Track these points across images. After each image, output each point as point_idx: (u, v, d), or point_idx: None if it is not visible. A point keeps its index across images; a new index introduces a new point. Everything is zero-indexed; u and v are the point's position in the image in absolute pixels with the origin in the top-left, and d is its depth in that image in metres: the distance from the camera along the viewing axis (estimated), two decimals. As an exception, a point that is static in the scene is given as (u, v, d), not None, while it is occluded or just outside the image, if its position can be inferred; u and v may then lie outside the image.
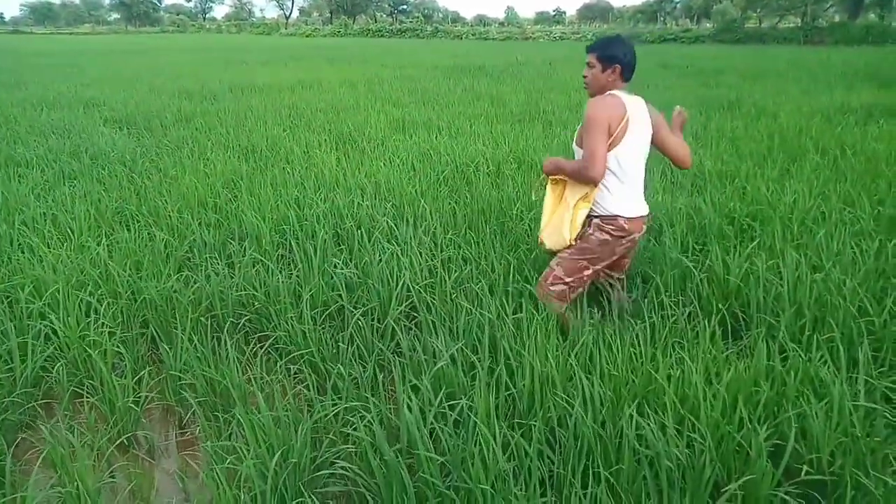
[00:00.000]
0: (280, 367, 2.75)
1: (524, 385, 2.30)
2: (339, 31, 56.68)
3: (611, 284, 2.99)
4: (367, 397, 2.33)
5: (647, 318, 2.70)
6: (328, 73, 15.87)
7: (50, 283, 3.22)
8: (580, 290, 2.83)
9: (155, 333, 3.00)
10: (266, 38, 55.54)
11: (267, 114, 9.02)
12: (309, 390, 2.57)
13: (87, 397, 2.62)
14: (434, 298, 3.03)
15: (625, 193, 2.73)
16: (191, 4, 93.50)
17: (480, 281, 3.22)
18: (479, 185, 5.08)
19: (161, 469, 2.38)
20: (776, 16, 48.33)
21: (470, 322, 2.75)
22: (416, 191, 4.80)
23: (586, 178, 2.62)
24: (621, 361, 2.38)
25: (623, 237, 2.74)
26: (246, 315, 3.11)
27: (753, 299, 2.97)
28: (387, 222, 4.08)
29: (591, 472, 1.95)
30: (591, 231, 2.74)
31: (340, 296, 3.18)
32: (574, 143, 2.82)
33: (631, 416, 2.03)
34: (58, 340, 2.86)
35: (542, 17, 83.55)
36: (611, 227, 2.71)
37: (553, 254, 2.88)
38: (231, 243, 3.93)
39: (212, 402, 2.55)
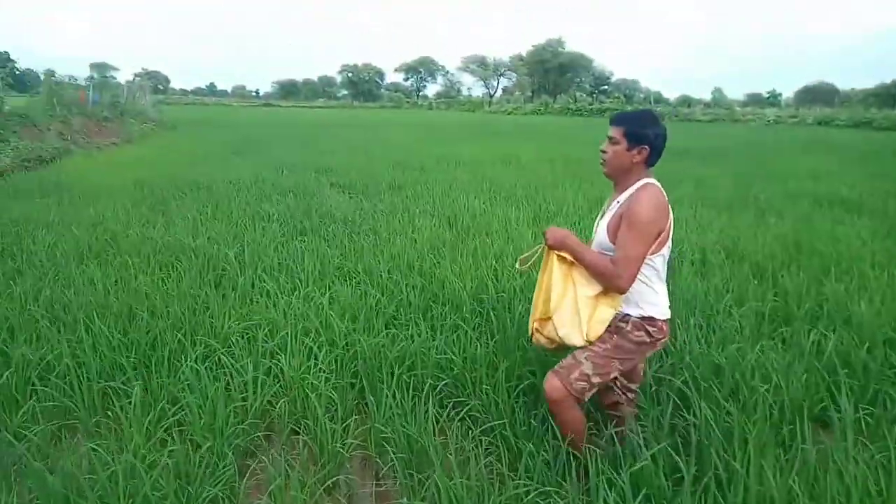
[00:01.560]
0: (473, 435, 2.80)
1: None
2: (539, 110, 58.80)
3: (625, 394, 2.66)
4: (559, 482, 2.28)
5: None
6: (527, 150, 16.44)
7: (281, 326, 3.66)
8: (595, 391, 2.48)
9: (363, 385, 3.23)
10: (471, 114, 59.39)
11: (470, 186, 9.55)
12: (500, 462, 2.58)
13: (302, 435, 2.89)
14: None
15: (664, 295, 2.45)
16: (408, 83, 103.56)
17: (684, 374, 3.04)
18: (683, 273, 4.85)
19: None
20: None
21: (675, 421, 2.59)
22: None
23: (612, 285, 2.30)
24: (856, 491, 2.08)
25: (658, 341, 2.44)
26: (444, 379, 3.24)
27: None
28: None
29: None
30: (629, 328, 2.39)
31: (534, 372, 3.19)
32: (603, 229, 2.39)
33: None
34: (282, 380, 3.21)
35: (753, 99, 79.24)
36: (653, 328, 2.40)
37: (562, 348, 2.47)
38: (433, 306, 4.16)
39: (407, 459, 2.66)
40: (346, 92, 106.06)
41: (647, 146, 2.30)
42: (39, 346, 3.36)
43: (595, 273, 2.32)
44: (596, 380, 2.39)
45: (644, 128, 2.31)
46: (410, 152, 15.18)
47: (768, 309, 4.10)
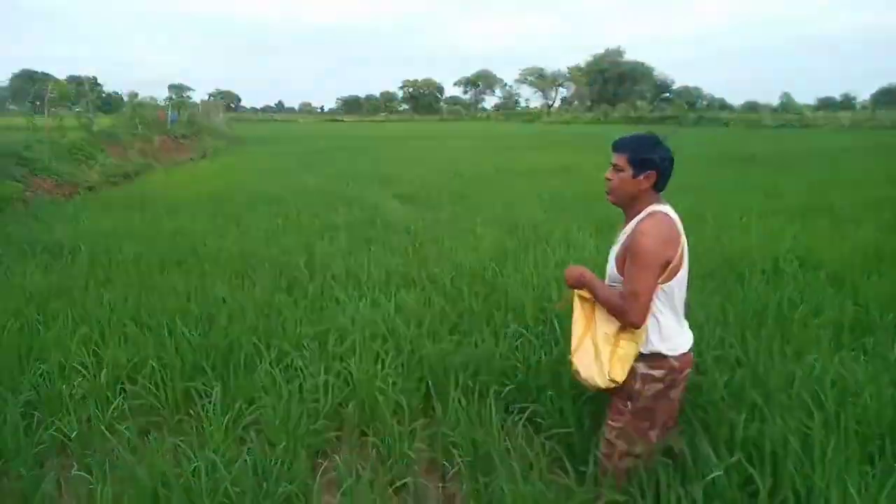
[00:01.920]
0: (538, 441, 2.81)
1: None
2: (598, 119, 57.97)
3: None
4: (628, 490, 2.27)
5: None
6: (587, 159, 16.26)
7: (349, 331, 3.77)
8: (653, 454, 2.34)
9: (429, 389, 3.29)
10: (529, 125, 59.23)
11: (529, 195, 9.54)
12: (565, 471, 2.58)
13: (371, 436, 2.97)
14: (703, 398, 2.85)
15: (673, 327, 2.25)
16: (467, 96, 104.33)
17: (756, 386, 2.96)
18: (752, 283, 4.70)
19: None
20: None
21: (748, 433, 2.53)
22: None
23: (624, 321, 2.18)
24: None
25: (676, 378, 2.26)
26: (508, 385, 3.26)
27: None
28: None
29: None
30: (637, 385, 2.23)
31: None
32: (613, 263, 2.30)
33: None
34: (352, 383, 3.31)
35: (825, 103, 75.38)
36: (659, 371, 2.22)
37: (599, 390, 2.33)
38: (496, 314, 4.19)
39: (472, 463, 2.70)
40: (406, 106, 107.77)
41: (653, 171, 2.19)
42: (128, 349, 3.59)
43: (606, 307, 2.23)
44: (638, 449, 2.27)
45: (649, 152, 2.20)
46: (470, 163, 15.31)
47: (849, 319, 3.93)
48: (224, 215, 8.02)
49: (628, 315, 2.11)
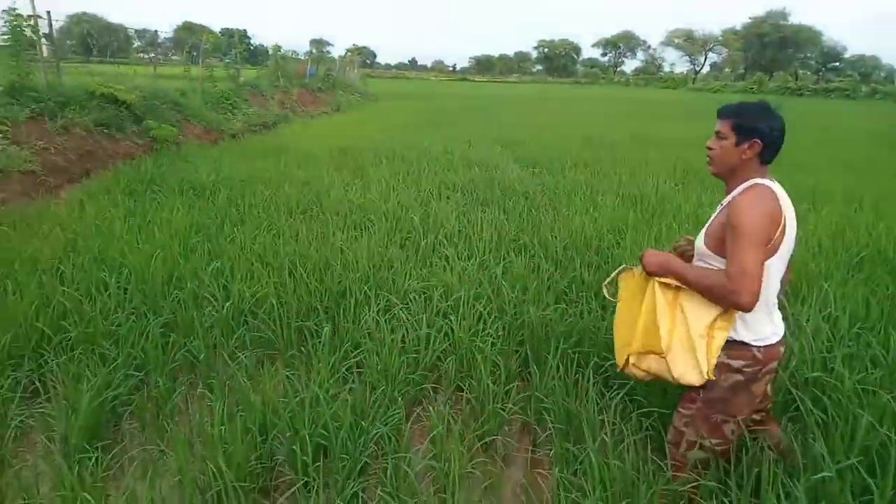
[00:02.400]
0: (632, 417, 2.73)
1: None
2: (751, 88, 53.32)
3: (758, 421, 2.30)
4: (724, 480, 2.15)
5: None
6: (731, 131, 15.09)
7: (455, 289, 3.83)
8: (731, 446, 2.14)
9: (528, 354, 3.29)
10: (671, 91, 55.88)
11: (661, 166, 9.06)
12: (660, 451, 2.49)
13: (466, 392, 3.03)
14: (826, 396, 2.62)
15: (760, 315, 2.04)
16: (605, 59, 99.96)
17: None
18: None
19: (511, 477, 2.61)
20: None
21: (871, 437, 2.30)
22: (819, 270, 4.23)
23: (732, 304, 1.95)
24: None
25: (758, 371, 2.05)
26: (610, 360, 3.18)
27: None
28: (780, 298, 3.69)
29: None
30: (715, 373, 2.05)
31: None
32: (701, 243, 2.11)
33: None
34: (452, 338, 3.38)
35: None
36: (739, 361, 2.03)
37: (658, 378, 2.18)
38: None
39: (565, 431, 2.68)
40: (540, 67, 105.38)
41: (758, 139, 2.01)
42: (252, 285, 3.88)
43: (709, 294, 2.02)
44: (708, 442, 2.13)
45: (756, 120, 2.03)
46: (601, 129, 14.76)
47: None
48: (350, 168, 8.36)
49: (739, 296, 1.89)
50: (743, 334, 2.04)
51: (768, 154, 2.05)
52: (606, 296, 2.35)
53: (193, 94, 12.45)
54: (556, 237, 5.10)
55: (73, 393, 2.73)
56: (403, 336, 3.34)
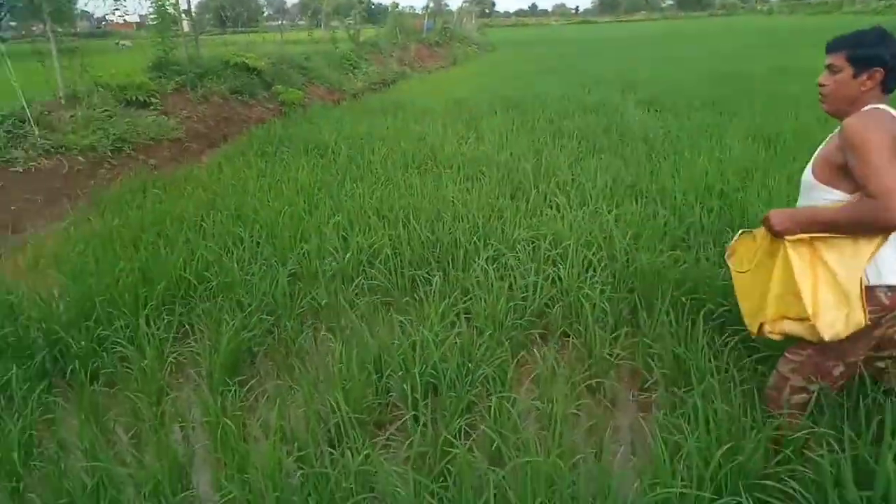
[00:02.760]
0: (746, 364, 2.63)
1: None
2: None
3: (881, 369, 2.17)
4: (841, 428, 2.03)
5: None
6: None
7: (564, 237, 3.81)
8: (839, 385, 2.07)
9: (638, 301, 3.23)
10: (824, 18, 49.84)
11: (802, 99, 8.24)
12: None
13: (572, 338, 3.06)
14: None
15: (888, 253, 1.87)
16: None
17: None
18: None
19: (616, 420, 2.62)
20: None
21: None
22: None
23: (883, 221, 1.76)
24: None
25: (883, 317, 1.91)
26: (726, 306, 3.05)
27: None
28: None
29: None
30: None
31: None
32: (810, 176, 1.97)
33: None
34: (560, 286, 3.39)
35: None
36: (874, 305, 1.88)
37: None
38: (728, 232, 3.85)
39: (673, 377, 2.64)
40: (671, 1, 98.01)
41: (879, 68, 1.86)
42: (369, 237, 4.10)
43: (855, 225, 1.83)
44: (814, 386, 2.05)
45: (874, 47, 1.87)
46: (735, 63, 13.62)
47: None
48: (464, 120, 8.40)
49: (891, 213, 1.72)
50: (871, 277, 1.89)
51: (891, 82, 1.89)
52: (732, 268, 2.25)
53: (316, 57, 12.99)
54: (675, 182, 4.87)
55: (215, 334, 3.08)
56: (511, 284, 3.40)
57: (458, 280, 3.51)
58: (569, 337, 3.11)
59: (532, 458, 2.00)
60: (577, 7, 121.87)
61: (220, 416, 2.45)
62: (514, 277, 3.46)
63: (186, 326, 3.36)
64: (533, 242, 3.92)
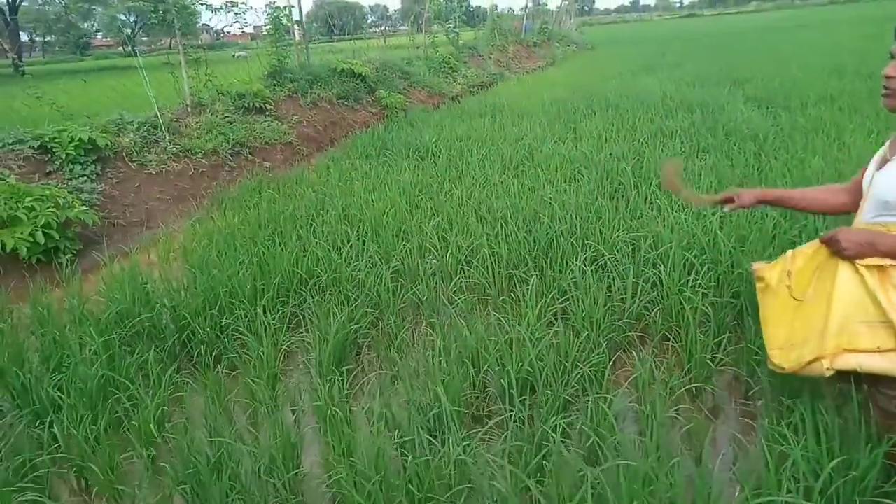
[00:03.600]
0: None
1: None
2: None
3: None
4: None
5: None
6: None
7: (665, 240, 3.74)
8: None
9: (744, 306, 3.13)
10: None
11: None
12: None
13: (672, 342, 3.01)
14: None
15: None
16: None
17: None
18: None
19: (717, 426, 2.57)
20: None
21: None
22: None
23: None
24: None
25: None
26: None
27: None
28: None
29: None
30: None
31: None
32: (877, 188, 1.78)
33: None
34: (660, 289, 3.34)
35: None
36: None
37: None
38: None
39: (780, 386, 2.55)
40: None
41: None
42: (467, 237, 4.21)
43: None
44: None
45: None
46: (856, 55, 12.62)
47: None
48: (562, 121, 8.35)
49: None
50: None
51: None
52: (760, 291, 2.05)
53: (417, 62, 13.32)
54: (786, 183, 4.63)
55: (324, 326, 3.29)
56: (609, 285, 3.39)
57: (554, 280, 3.54)
58: (668, 341, 3.07)
59: (630, 459, 2.01)
60: (682, 0, 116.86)
61: (328, 402, 2.63)
62: (613, 279, 3.45)
63: (298, 317, 3.60)
64: (632, 244, 3.88)
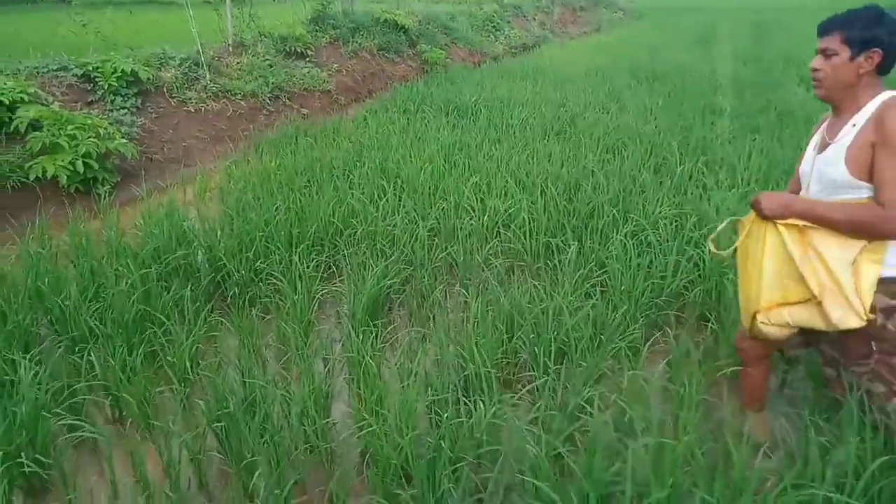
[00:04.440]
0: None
1: None
2: None
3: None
4: None
5: None
6: None
7: (710, 219, 3.64)
8: None
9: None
10: None
11: None
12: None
13: (711, 323, 2.95)
14: None
15: None
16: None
17: None
18: None
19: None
20: None
21: None
22: None
23: (881, 231, 1.74)
24: None
25: None
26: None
27: None
28: None
29: None
30: (879, 321, 1.83)
31: None
32: (846, 174, 1.82)
33: None
34: (702, 269, 3.26)
35: None
36: None
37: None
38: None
39: (818, 375, 2.49)
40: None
41: (877, 49, 1.79)
42: (506, 200, 4.14)
43: (856, 227, 1.78)
44: None
45: (870, 28, 1.80)
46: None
47: None
48: (606, 90, 8.13)
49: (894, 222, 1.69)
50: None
51: (887, 65, 1.83)
52: (712, 250, 2.18)
53: (461, 18, 13.01)
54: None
55: (359, 278, 3.28)
56: (650, 261, 3.32)
57: (593, 251, 3.48)
58: (707, 322, 3.00)
59: (665, 437, 1.98)
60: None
61: (361, 352, 2.63)
62: (654, 255, 3.37)
63: (332, 268, 3.60)
64: (675, 221, 3.78)
